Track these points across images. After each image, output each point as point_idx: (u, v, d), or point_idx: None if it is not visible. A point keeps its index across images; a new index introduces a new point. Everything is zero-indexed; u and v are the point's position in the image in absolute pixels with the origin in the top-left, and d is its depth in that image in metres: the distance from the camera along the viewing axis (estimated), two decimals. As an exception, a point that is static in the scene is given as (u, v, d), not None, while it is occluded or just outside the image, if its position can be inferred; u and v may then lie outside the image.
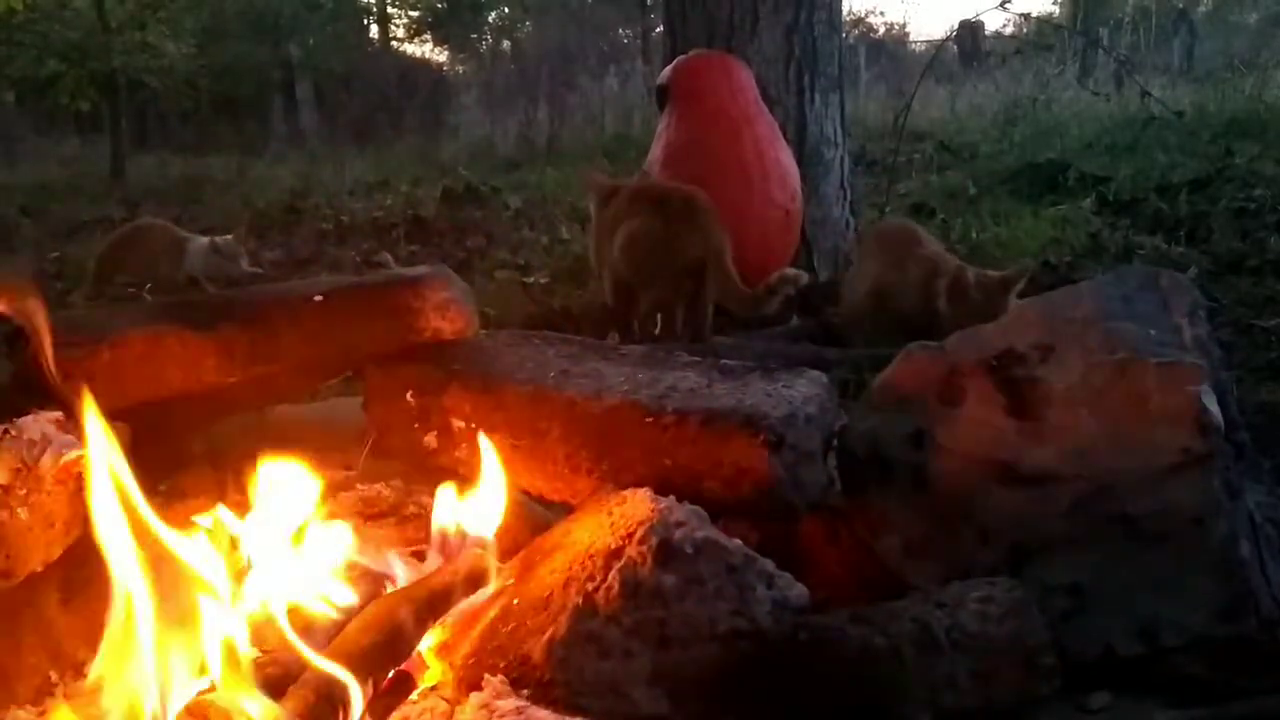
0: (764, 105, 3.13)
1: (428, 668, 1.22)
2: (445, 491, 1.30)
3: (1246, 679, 1.20)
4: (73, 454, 1.17)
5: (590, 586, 1.10)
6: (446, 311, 1.56)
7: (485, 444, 1.35)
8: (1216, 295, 2.88)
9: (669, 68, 3.19)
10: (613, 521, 1.20)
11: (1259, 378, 2.33)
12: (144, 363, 1.37)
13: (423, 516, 1.51)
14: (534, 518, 1.48)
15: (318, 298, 1.47)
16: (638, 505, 1.20)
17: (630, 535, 1.13)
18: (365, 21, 15.20)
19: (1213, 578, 1.24)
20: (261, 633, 1.11)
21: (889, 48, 14.09)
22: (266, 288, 1.66)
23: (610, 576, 1.09)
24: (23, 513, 1.18)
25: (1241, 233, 3.66)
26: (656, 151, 3.13)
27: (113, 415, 1.18)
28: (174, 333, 1.39)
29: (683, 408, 1.38)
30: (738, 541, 1.15)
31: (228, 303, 1.53)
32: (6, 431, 1.19)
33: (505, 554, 1.37)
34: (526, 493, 1.49)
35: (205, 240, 3.49)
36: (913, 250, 2.57)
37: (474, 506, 1.31)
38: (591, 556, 1.15)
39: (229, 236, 3.50)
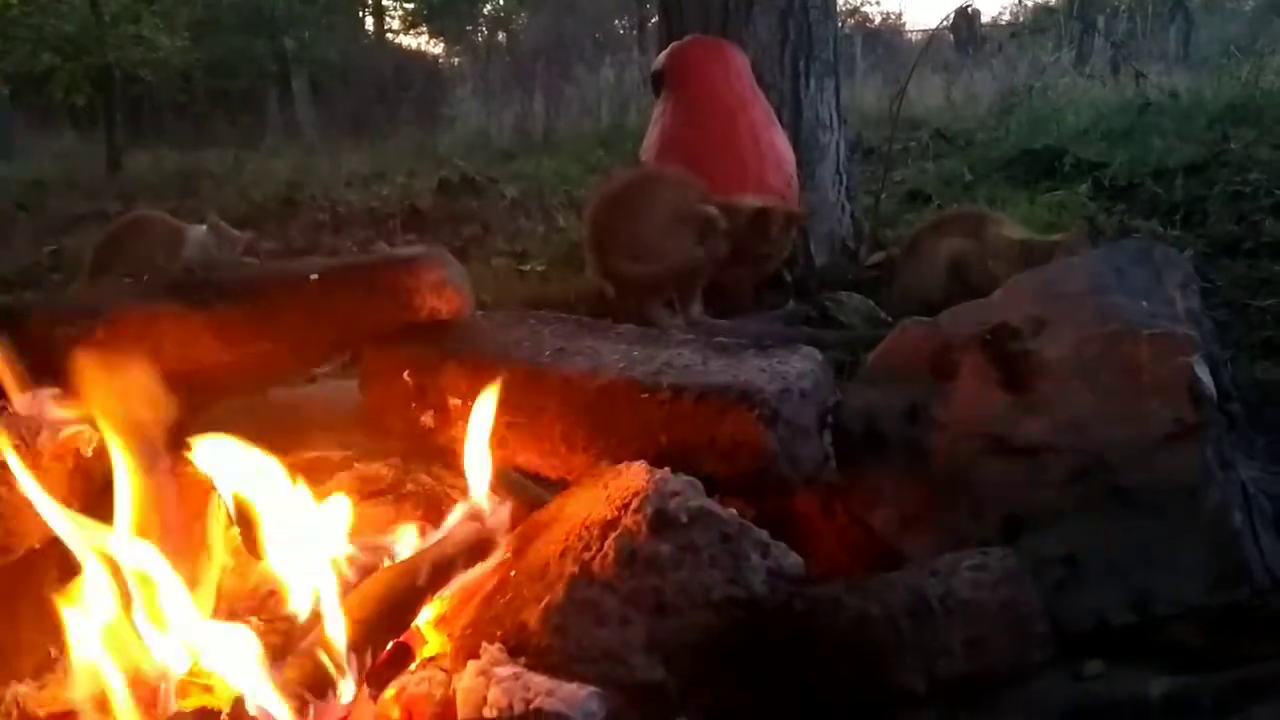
0: (759, 90, 3.13)
1: (426, 642, 1.22)
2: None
3: (1240, 647, 1.21)
4: (70, 430, 1.17)
5: (586, 556, 1.11)
6: (442, 291, 1.56)
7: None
8: (1212, 277, 2.89)
9: (664, 53, 3.19)
10: (608, 494, 1.21)
11: (1253, 356, 2.34)
12: (140, 341, 1.37)
13: (420, 495, 1.52)
14: (528, 495, 1.49)
15: (313, 276, 1.48)
16: (633, 477, 1.20)
17: (626, 506, 1.14)
18: (360, 14, 15.16)
19: (1205, 547, 1.25)
20: (263, 603, 1.11)
21: (885, 37, 14.07)
22: (262, 267, 1.66)
23: (606, 545, 1.10)
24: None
25: (1237, 216, 3.66)
26: (652, 137, 3.12)
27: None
28: (170, 311, 1.39)
29: (678, 383, 1.38)
30: (732, 511, 1.16)
31: (224, 282, 1.54)
32: (4, 408, 1.19)
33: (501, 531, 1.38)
34: (523, 470, 1.50)
35: (202, 229, 3.49)
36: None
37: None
38: (587, 527, 1.15)
39: (213, 216, 3.50)
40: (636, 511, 1.11)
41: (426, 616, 1.23)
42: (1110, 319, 1.36)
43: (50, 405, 1.22)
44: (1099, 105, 6.35)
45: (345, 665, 1.02)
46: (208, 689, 0.99)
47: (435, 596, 1.23)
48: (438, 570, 1.21)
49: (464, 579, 1.26)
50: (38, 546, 1.22)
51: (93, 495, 1.26)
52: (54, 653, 1.24)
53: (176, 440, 1.33)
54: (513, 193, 5.48)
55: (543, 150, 7.55)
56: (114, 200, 6.48)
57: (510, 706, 0.99)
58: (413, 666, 1.14)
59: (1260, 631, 1.21)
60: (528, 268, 3.61)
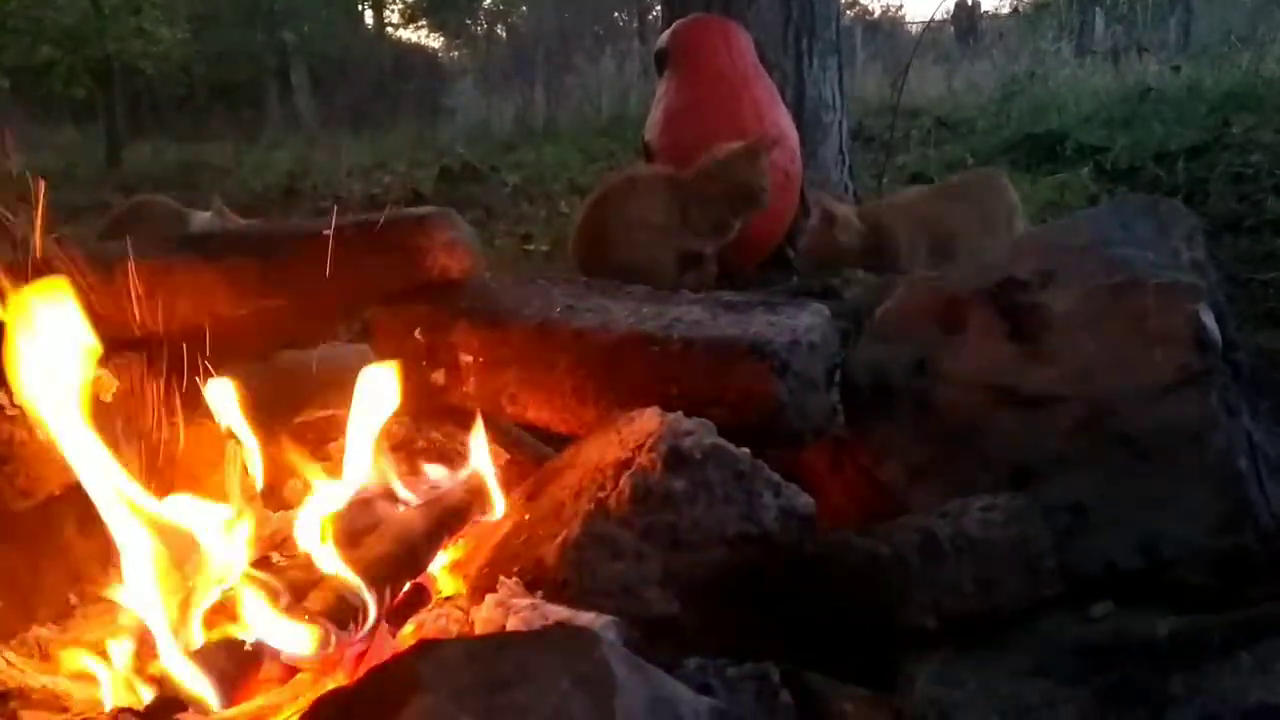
0: (762, 68, 3.13)
1: (440, 591, 1.24)
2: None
3: (1245, 588, 1.22)
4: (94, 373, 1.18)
5: (601, 495, 1.12)
6: (453, 250, 1.57)
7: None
8: (1215, 253, 2.89)
9: (667, 31, 3.19)
10: (622, 438, 1.22)
11: (1257, 327, 2.35)
12: (156, 292, 1.38)
13: (431, 451, 1.53)
14: (534, 451, 1.50)
15: (326, 232, 1.49)
16: (646, 421, 1.22)
17: (640, 446, 1.15)
18: (360, 7, 15.12)
19: (1211, 490, 1.26)
20: (284, 541, 1.13)
21: (885, 29, 14.07)
22: (277, 223, 1.67)
23: (621, 483, 1.11)
24: (41, 433, 1.20)
25: (1239, 196, 3.68)
26: (656, 116, 3.13)
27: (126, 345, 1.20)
28: (185, 262, 1.40)
29: (689, 336, 1.40)
30: (745, 450, 1.17)
31: (239, 236, 1.55)
32: (25, 354, 1.20)
33: (512, 483, 1.39)
34: (534, 425, 1.51)
35: (207, 214, 3.50)
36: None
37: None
38: (601, 469, 1.17)
39: (218, 201, 3.51)
40: (651, 450, 1.13)
41: (441, 562, 1.24)
42: (1117, 270, 1.37)
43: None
44: (1100, 93, 6.38)
45: (364, 599, 1.04)
46: (234, 619, 1.00)
47: (450, 542, 1.24)
48: (452, 514, 1.22)
49: (478, 525, 1.27)
50: (58, 493, 1.23)
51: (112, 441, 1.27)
52: (73, 599, 1.26)
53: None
54: (514, 180, 5.50)
55: (543, 140, 7.56)
56: (114, 193, 6.48)
57: (528, 636, 1.00)
58: (429, 606, 1.15)
59: (1265, 573, 1.23)
60: (531, 247, 3.63)
